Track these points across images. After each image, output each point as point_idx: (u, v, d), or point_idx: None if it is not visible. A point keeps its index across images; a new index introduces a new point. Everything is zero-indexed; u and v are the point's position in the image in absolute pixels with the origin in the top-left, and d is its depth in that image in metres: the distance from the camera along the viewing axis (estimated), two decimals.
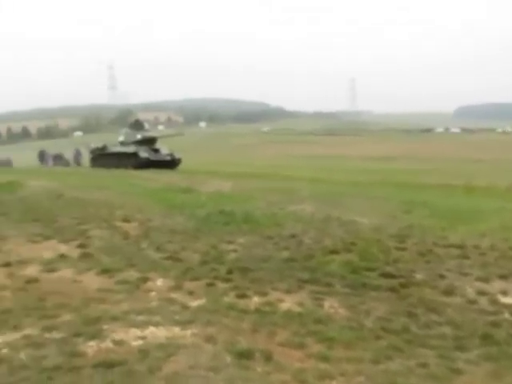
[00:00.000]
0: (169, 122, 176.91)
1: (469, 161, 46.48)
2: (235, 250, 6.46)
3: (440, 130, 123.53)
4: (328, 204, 10.78)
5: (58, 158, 32.28)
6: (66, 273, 5.26)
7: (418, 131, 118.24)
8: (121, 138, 27.47)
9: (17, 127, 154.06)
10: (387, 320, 4.30)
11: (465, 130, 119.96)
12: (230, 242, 6.86)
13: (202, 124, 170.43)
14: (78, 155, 32.22)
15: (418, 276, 5.50)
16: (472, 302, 4.84)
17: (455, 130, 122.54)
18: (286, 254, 6.29)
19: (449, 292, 5.04)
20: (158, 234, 7.28)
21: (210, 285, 5.04)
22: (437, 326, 4.22)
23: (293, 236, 7.22)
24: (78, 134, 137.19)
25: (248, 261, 5.92)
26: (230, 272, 5.46)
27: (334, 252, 6.35)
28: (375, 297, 4.87)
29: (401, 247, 6.69)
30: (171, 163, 25.49)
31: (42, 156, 32.63)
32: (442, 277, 5.50)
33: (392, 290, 5.06)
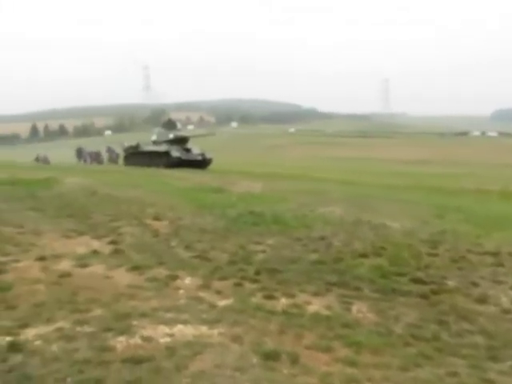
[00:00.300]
0: (201, 122, 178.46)
1: (505, 165, 45.09)
2: (264, 251, 6.46)
3: (476, 133, 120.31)
4: (358, 207, 10.66)
5: (95, 156, 33.08)
6: (98, 268, 5.38)
7: (454, 134, 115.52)
8: (153, 137, 27.93)
9: (54, 125, 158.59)
10: (417, 327, 4.22)
11: (502, 134, 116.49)
12: (258, 243, 6.87)
13: (234, 124, 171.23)
14: (112, 153, 32.96)
15: (450, 283, 5.38)
16: (506, 311, 4.69)
17: (492, 133, 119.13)
18: (314, 256, 6.25)
19: (482, 300, 4.90)
20: (187, 233, 7.36)
21: (237, 285, 5.06)
22: (469, 335, 4.11)
23: (322, 238, 7.16)
24: (108, 132, 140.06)
25: (276, 262, 5.91)
26: (257, 273, 5.47)
27: (364, 256, 6.27)
28: (405, 303, 4.78)
29: (432, 253, 6.55)
30: (202, 163, 25.72)
31: (79, 153, 33.53)
32: (475, 284, 5.36)
33: (422, 296, 4.96)
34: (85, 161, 32.47)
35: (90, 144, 48.87)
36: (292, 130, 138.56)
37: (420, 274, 5.58)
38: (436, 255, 6.46)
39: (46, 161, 32.61)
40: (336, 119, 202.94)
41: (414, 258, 6.23)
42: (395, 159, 54.59)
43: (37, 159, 32.77)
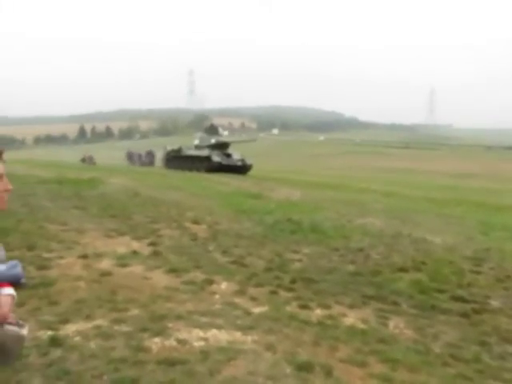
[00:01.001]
0: (242, 128, 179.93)
1: None
2: (300, 260, 6.43)
3: None
4: (399, 219, 10.46)
5: (149, 156, 33.93)
6: (137, 269, 5.49)
7: (501, 148, 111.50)
8: (196, 142, 28.36)
9: (101, 127, 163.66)
10: (457, 347, 4.08)
11: None
12: (295, 251, 6.84)
13: (275, 131, 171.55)
14: (151, 156, 33.85)
15: (494, 303, 5.18)
16: None
17: None
18: (351, 267, 6.17)
19: None
20: (225, 238, 7.42)
21: (273, 292, 5.05)
22: None
23: (360, 250, 7.07)
24: (137, 136, 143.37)
25: (312, 271, 5.87)
26: (293, 281, 5.44)
27: (403, 270, 6.14)
28: (444, 321, 4.64)
29: (476, 270, 6.34)
30: (242, 168, 25.89)
31: (130, 157, 34.55)
32: None
33: (463, 315, 4.79)
34: (135, 163, 33.35)
35: (133, 147, 50.06)
36: (321, 138, 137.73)
37: (461, 292, 5.41)
38: (479, 273, 6.24)
39: (91, 161, 33.71)
40: (378, 129, 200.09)
41: (455, 274, 6.04)
42: (439, 172, 53.22)
43: (83, 160, 33.92)
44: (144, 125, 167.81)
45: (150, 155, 33.90)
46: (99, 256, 5.86)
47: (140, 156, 34.42)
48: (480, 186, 32.38)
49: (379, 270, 6.04)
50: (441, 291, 5.39)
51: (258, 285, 5.25)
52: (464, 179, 43.75)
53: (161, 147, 32.21)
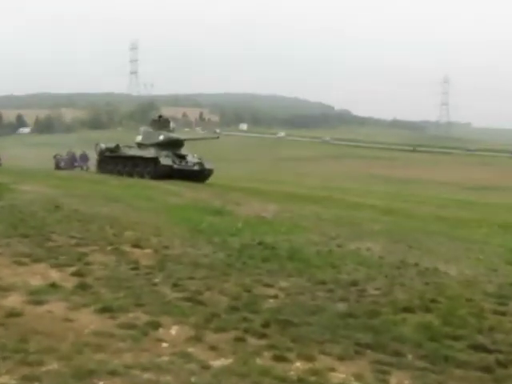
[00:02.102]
0: (201, 122, 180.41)
1: None
2: (275, 296, 6.43)
3: None
4: (403, 244, 10.61)
5: (84, 158, 33.61)
6: (57, 307, 5.38)
7: None
8: (138, 139, 28.22)
9: (10, 115, 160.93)
10: None
11: None
12: (268, 285, 6.85)
13: (243, 126, 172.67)
14: (73, 158, 33.59)
15: None
16: None
17: None
18: (342, 306, 6.21)
19: None
20: (176, 267, 7.38)
21: (239, 339, 5.03)
22: None
23: (353, 283, 7.13)
24: (24, 130, 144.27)
25: (291, 312, 5.88)
26: (266, 325, 5.43)
27: (408, 310, 6.21)
28: (461, 376, 4.71)
29: (500, 311, 6.47)
30: (200, 174, 25.92)
31: (58, 162, 34.02)
32: None
33: (485, 368, 4.88)
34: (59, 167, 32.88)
35: (56, 143, 49.52)
36: (327, 138, 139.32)
37: (482, 339, 5.51)
38: (504, 314, 6.38)
39: None
40: (376, 126, 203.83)
41: (475, 316, 6.15)
42: (454, 182, 54.52)
43: None
44: (69, 114, 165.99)
45: (85, 157, 33.61)
46: (5, 290, 5.73)
47: (71, 159, 34.02)
48: (504, 202, 33.29)
49: (377, 311, 6.10)
50: (456, 338, 5.48)
51: (220, 329, 5.22)
52: (484, 193, 44.94)
53: (91, 145, 31.85)
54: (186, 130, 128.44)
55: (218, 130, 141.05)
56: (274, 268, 7.68)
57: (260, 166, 71.65)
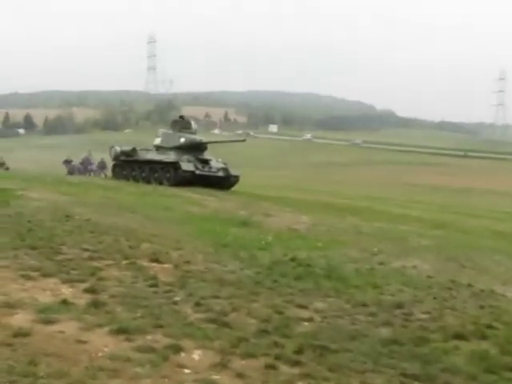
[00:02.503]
0: (225, 123, 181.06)
1: None
2: (310, 319, 6.41)
3: None
4: (455, 262, 10.50)
5: (102, 165, 34.06)
6: (68, 327, 5.43)
7: None
8: (157, 141, 28.39)
9: (17, 115, 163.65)
10: None
11: None
12: (302, 307, 6.83)
13: (273, 128, 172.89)
14: (88, 163, 33.98)
15: None
16: None
17: None
18: (385, 331, 6.16)
19: None
20: (199, 284, 7.39)
21: (269, 367, 5.01)
22: None
23: (398, 306, 7.07)
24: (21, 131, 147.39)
25: (328, 337, 5.85)
26: (299, 351, 5.41)
27: (460, 337, 6.14)
28: None
29: None
30: (225, 181, 25.97)
31: (70, 166, 34.52)
32: None
33: None
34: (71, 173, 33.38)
35: (67, 144, 50.15)
36: (358, 140, 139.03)
37: None
38: None
39: (2, 165, 33.59)
40: (422, 128, 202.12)
41: None
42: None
43: None
44: (80, 113, 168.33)
45: (102, 164, 34.04)
46: (12, 307, 5.79)
47: (87, 165, 34.48)
48: None
49: (425, 337, 6.04)
50: None
51: (248, 355, 5.21)
52: None
53: (105, 147, 32.18)
54: (215, 132, 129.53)
55: (251, 133, 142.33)
56: (309, 287, 7.65)
57: (291, 172, 71.61)
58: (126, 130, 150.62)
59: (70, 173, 33.78)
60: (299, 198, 25.51)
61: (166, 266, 8.27)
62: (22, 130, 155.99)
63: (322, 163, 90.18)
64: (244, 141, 32.03)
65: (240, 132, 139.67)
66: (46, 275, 7.13)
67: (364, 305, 7.04)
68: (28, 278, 6.96)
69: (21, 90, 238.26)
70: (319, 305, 6.94)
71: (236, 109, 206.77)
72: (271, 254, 9.85)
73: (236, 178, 26.66)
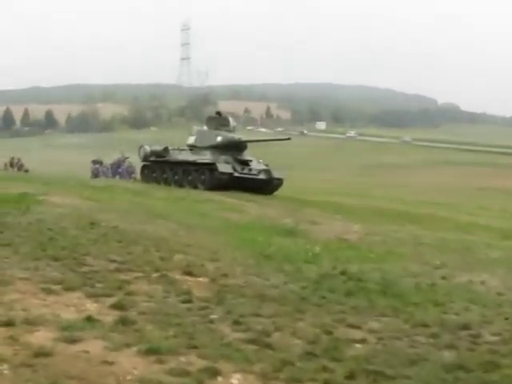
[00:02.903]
0: (267, 119, 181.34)
1: None
2: (363, 341, 6.36)
3: None
4: None
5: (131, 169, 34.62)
6: (94, 346, 5.48)
7: None
8: (191, 140, 28.58)
9: (37, 111, 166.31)
10: None
11: None
12: (354, 326, 6.78)
13: (321, 125, 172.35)
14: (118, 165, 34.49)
15: None
16: None
17: None
18: (449, 356, 6.08)
19: None
20: (237, 300, 7.41)
21: None
22: None
23: (464, 327, 6.97)
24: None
25: (383, 361, 5.80)
26: (351, 376, 5.38)
27: None
28: None
29: None
30: (266, 185, 26.01)
31: (95, 168, 35.15)
32: None
33: None
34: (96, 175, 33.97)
35: (91, 144, 50.78)
36: (407, 138, 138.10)
37: None
38: None
39: (20, 167, 34.29)
40: (492, 124, 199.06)
41: None
42: None
43: (9, 165, 34.50)
44: (106, 109, 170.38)
45: (131, 169, 34.56)
46: (33, 324, 5.87)
47: (117, 168, 35.02)
48: None
49: (496, 362, 5.94)
50: None
51: (293, 380, 5.20)
52: None
53: (133, 147, 32.53)
54: (258, 129, 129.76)
55: (305, 131, 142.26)
56: (362, 304, 7.60)
57: (340, 175, 71.32)
58: (152, 128, 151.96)
59: (95, 175, 34.29)
60: (350, 204, 25.39)
61: (201, 279, 8.31)
62: (48, 131, 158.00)
63: (375, 164, 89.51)
64: (289, 139, 31.78)
65: (280, 129, 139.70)
66: (69, 289, 7.23)
67: (425, 325, 6.95)
68: (49, 291, 7.06)
69: (42, 83, 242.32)
70: (373, 324, 6.88)
71: (279, 103, 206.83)
72: (319, 266, 9.81)
73: (279, 182, 26.67)
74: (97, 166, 35.50)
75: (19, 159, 37.58)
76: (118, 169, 34.67)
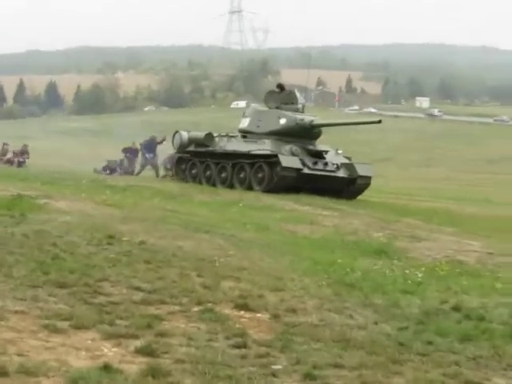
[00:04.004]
0: (349, 94, 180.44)
1: None
2: None
3: None
4: None
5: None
6: None
7: None
8: (244, 124, 28.51)
9: (36, 84, 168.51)
10: None
11: None
12: None
13: (423, 101, 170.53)
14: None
15: None
16: None
17: None
18: None
19: None
20: (310, 346, 7.36)
21: None
22: None
23: None
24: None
25: None
26: None
27: None
28: None
29: None
30: (348, 185, 25.93)
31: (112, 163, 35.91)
32: None
33: None
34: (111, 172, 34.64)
35: (109, 129, 51.21)
36: (506, 117, 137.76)
37: None
38: None
39: (21, 158, 34.94)
40: None
41: None
42: None
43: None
44: (129, 81, 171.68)
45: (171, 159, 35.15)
46: (31, 374, 5.89)
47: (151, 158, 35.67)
48: None
49: None
50: None
51: None
52: None
53: (167, 133, 32.74)
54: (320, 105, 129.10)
55: (436, 112, 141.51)
56: (483, 354, 7.49)
57: (452, 171, 70.68)
58: (190, 107, 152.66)
59: (111, 170, 34.78)
60: (465, 212, 25.12)
61: (259, 315, 8.29)
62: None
63: (500, 156, 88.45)
64: (379, 122, 31.19)
65: (372, 110, 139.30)
66: (79, 327, 7.24)
67: None
68: (54, 330, 7.08)
69: (42, 46, 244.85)
70: (500, 382, 6.80)
71: (364, 72, 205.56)
72: (422, 299, 9.71)
73: (366, 181, 26.47)
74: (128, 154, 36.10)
75: (24, 148, 38.44)
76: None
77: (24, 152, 37.79)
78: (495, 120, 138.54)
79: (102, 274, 9.46)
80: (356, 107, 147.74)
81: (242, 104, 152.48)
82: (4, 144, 39.76)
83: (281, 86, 30.12)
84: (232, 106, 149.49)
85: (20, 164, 35.86)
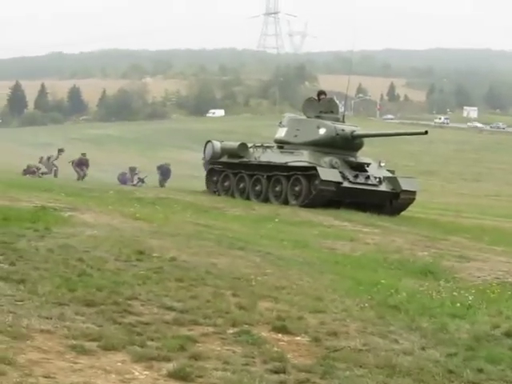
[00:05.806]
0: (391, 102, 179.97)
1: None
2: None
3: None
4: None
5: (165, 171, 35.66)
6: None
7: None
8: (281, 134, 28.50)
9: (59, 89, 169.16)
10: None
11: None
12: None
13: (471, 111, 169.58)
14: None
15: None
16: None
17: None
18: None
19: None
20: (352, 372, 7.34)
21: None
22: None
23: None
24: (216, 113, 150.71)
25: None
26: None
27: None
28: None
29: None
30: (392, 199, 25.82)
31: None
32: None
33: None
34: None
35: (133, 137, 51.43)
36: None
37: None
38: None
39: (33, 171, 35.23)
40: None
41: None
42: None
43: (28, 170, 35.54)
44: (157, 87, 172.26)
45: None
46: None
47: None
48: None
49: None
50: None
51: None
52: None
53: (198, 143, 32.84)
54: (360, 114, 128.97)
55: (500, 124, 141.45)
56: None
57: (504, 186, 70.26)
58: (222, 114, 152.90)
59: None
60: None
61: (298, 339, 8.28)
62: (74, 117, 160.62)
63: None
64: (425, 133, 30.91)
65: (501, 124, 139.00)
66: (108, 348, 7.27)
67: None
68: (81, 351, 7.10)
69: (65, 48, 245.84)
70: None
71: (408, 79, 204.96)
72: (472, 323, 9.66)
73: (410, 196, 26.37)
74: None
75: (59, 153, 38.74)
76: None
77: (83, 163, 38.01)
78: None
79: (131, 291, 9.50)
80: (390, 116, 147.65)
81: (219, 113, 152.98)
82: (59, 150, 39.96)
83: (321, 93, 29.89)
84: (208, 115, 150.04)
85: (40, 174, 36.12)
